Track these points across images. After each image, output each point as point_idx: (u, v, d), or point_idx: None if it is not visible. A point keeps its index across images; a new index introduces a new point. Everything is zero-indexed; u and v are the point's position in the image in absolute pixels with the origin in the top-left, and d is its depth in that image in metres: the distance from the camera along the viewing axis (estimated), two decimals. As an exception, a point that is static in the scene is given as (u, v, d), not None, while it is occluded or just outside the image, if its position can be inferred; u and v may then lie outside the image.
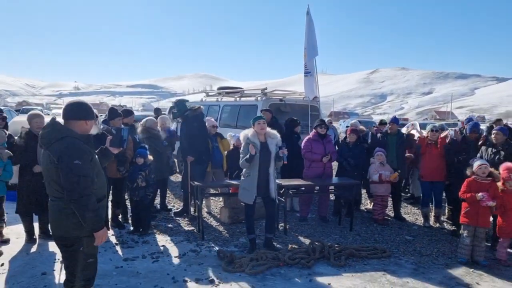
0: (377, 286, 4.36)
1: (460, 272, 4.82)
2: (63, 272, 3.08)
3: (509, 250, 5.31)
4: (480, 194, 4.95)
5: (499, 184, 5.19)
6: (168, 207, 7.17)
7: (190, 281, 4.27)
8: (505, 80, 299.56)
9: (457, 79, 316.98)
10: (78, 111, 3.00)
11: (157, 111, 10.87)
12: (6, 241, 5.10)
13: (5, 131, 5.18)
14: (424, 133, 7.21)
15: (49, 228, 3.15)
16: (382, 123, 8.67)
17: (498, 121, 9.49)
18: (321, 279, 4.45)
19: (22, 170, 5.07)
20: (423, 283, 4.47)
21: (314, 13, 8.80)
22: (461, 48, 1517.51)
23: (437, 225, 6.73)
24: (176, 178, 9.64)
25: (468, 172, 5.24)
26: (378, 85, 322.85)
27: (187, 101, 7.10)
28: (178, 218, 6.63)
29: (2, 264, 4.50)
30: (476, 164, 5.24)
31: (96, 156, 3.07)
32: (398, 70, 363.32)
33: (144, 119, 6.71)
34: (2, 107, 11.92)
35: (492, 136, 5.82)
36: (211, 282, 4.27)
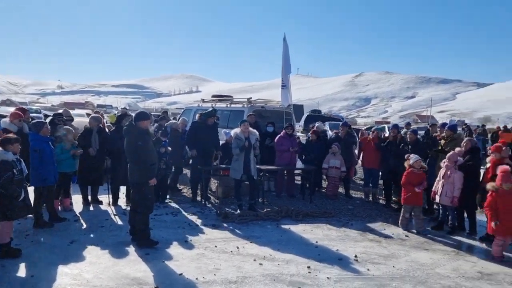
0: (320, 230, 6.82)
1: (377, 225, 7.32)
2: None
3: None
4: (416, 188, 6.74)
5: (493, 184, 5.72)
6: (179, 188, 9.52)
7: (200, 225, 6.69)
8: (485, 85, 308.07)
9: (439, 84, 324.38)
10: (143, 115, 5.46)
11: (165, 114, 13.25)
12: (71, 203, 7.41)
13: (73, 128, 7.45)
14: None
15: (128, 177, 5.56)
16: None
17: (434, 125, 12.06)
18: (284, 226, 6.90)
19: (82, 154, 7.39)
20: (350, 230, 6.94)
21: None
22: (443, 53, 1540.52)
23: (373, 200, 9.25)
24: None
25: (406, 165, 7.03)
26: (363, 88, 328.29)
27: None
28: (184, 194, 9.02)
29: (76, 215, 6.86)
30: (413, 159, 6.92)
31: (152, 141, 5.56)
32: (382, 74, 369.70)
33: (170, 122, 9.16)
34: None
35: (407, 136, 8.34)
36: (213, 226, 6.69)
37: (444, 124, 8.67)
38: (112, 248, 5.35)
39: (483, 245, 6.36)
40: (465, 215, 7.08)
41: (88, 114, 22.00)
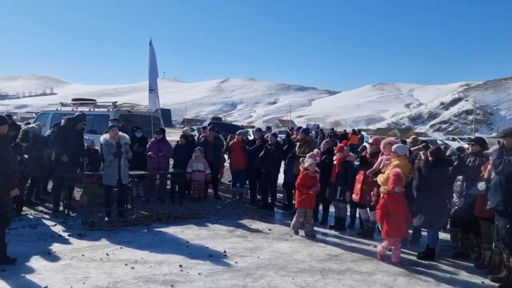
0: (190, 230, 7.05)
1: (244, 222, 7.86)
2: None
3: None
4: (310, 191, 6.80)
5: (385, 187, 5.77)
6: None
7: (64, 236, 6.34)
8: (336, 93, 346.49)
9: (297, 91, 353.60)
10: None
11: (10, 117, 11.90)
12: None
13: None
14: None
15: None
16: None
17: (292, 129, 13.28)
18: (155, 229, 6.96)
19: None
20: (219, 228, 7.32)
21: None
22: (300, 62, 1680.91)
23: (240, 200, 9.85)
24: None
25: (300, 168, 7.15)
26: (229, 93, 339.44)
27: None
28: (47, 204, 8.38)
29: None
30: (308, 162, 6.99)
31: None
32: (246, 80, 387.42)
33: (30, 126, 8.49)
34: None
35: (269, 139, 9.14)
36: (80, 235, 6.40)
37: (299, 128, 9.68)
38: (-41, 269, 4.77)
39: (332, 232, 7.36)
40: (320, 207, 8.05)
41: None
